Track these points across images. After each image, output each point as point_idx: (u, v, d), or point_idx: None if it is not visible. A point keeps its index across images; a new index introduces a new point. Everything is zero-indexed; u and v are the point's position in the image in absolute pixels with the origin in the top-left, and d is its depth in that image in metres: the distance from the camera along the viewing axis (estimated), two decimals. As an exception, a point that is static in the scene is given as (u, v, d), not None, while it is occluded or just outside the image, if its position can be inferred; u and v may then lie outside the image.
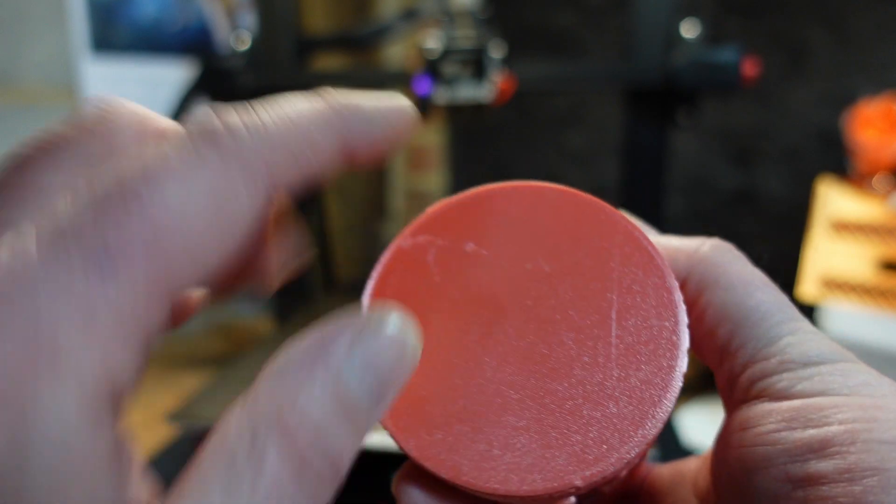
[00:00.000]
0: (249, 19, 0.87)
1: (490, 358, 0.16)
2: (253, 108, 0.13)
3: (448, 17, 0.57)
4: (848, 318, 0.69)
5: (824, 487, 0.13)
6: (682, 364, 0.15)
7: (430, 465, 0.15)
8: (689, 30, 0.59)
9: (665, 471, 0.20)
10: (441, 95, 0.57)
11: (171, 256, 0.11)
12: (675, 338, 0.16)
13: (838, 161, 0.80)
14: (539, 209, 0.17)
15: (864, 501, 0.13)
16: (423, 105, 0.58)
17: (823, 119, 0.81)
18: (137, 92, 0.80)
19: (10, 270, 0.10)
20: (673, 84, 0.58)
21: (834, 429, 0.14)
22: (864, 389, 0.15)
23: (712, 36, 0.86)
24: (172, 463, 0.49)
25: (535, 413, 0.15)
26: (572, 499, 0.17)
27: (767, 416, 0.15)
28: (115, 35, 0.77)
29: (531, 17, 1.00)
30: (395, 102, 0.15)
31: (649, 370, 0.15)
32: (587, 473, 0.15)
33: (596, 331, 0.16)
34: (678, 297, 0.16)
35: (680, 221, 0.92)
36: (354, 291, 0.23)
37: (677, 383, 0.15)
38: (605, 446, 0.15)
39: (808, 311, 0.73)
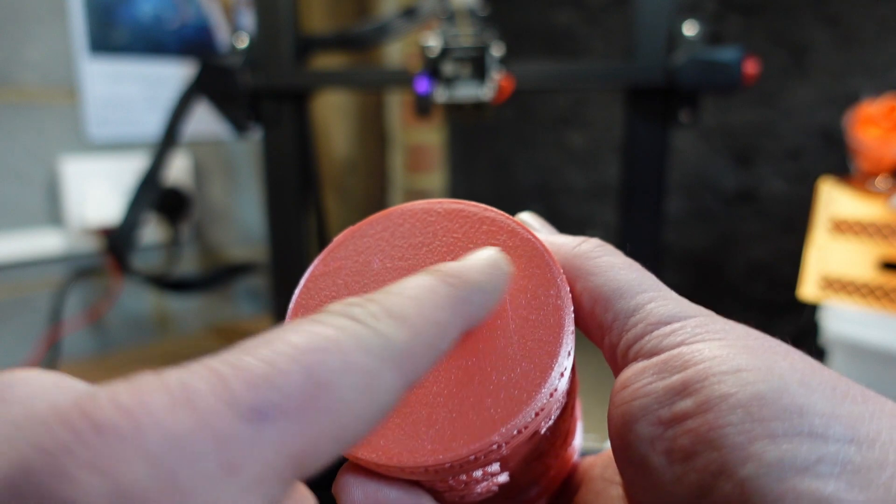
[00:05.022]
0: (249, 18, 0.87)
1: None
2: (388, 295, 0.15)
3: (448, 16, 0.57)
4: (848, 318, 0.68)
5: (688, 422, 0.15)
6: (570, 322, 0.18)
7: (363, 454, 0.17)
8: (690, 29, 0.59)
9: (599, 459, 0.22)
10: (441, 94, 0.57)
11: (319, 431, 0.12)
12: (559, 302, 0.18)
13: (840, 161, 0.80)
14: (433, 222, 0.20)
15: (716, 425, 0.15)
16: (424, 104, 0.57)
17: (825, 119, 0.81)
18: (137, 91, 0.80)
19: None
20: (674, 83, 0.58)
21: (691, 371, 0.16)
22: (715, 335, 0.17)
23: (713, 35, 0.86)
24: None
25: (451, 390, 0.17)
26: (502, 478, 0.18)
27: (641, 372, 0.17)
28: (114, 34, 0.77)
29: (531, 15, 1.00)
30: (496, 262, 0.18)
31: (543, 332, 0.18)
32: (503, 430, 0.16)
33: (495, 308, 0.18)
34: (557, 270, 0.19)
35: (680, 221, 0.92)
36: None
37: (568, 338, 0.18)
38: (515, 403, 0.17)
39: (810, 310, 0.73)
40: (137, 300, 0.82)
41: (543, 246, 0.19)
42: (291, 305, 0.19)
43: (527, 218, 0.22)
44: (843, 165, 0.79)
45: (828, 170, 0.79)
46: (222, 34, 0.87)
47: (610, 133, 0.96)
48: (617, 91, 0.81)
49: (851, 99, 0.77)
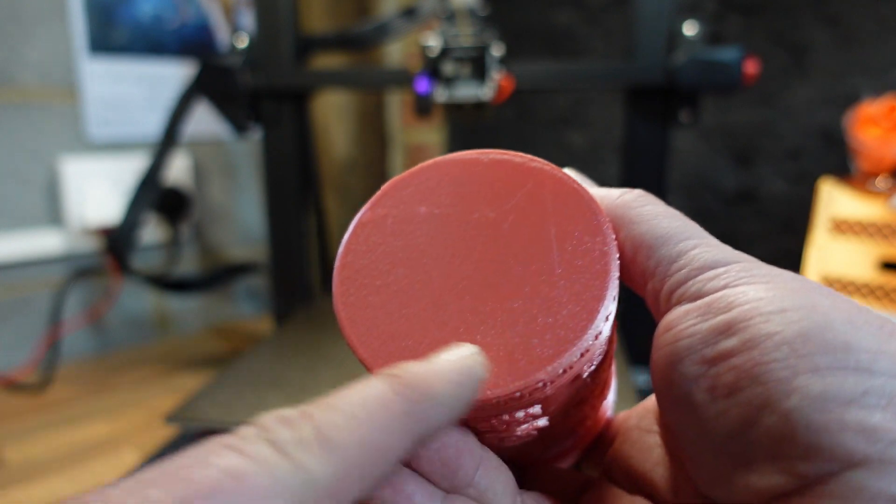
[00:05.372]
0: (249, 18, 0.87)
1: (452, 295, 0.18)
2: (327, 411, 0.13)
3: (448, 16, 0.57)
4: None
5: (732, 359, 0.15)
6: (615, 268, 0.18)
7: None
8: (690, 29, 0.59)
9: (634, 411, 0.23)
10: (441, 94, 0.57)
11: None
12: (605, 248, 0.18)
13: (840, 161, 0.80)
14: (479, 172, 0.20)
15: (761, 361, 0.15)
16: (424, 104, 0.57)
17: (825, 118, 0.81)
18: (137, 91, 0.80)
19: None
20: (674, 83, 0.58)
21: (736, 311, 0.16)
22: (761, 279, 0.17)
23: (713, 35, 0.86)
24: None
25: (498, 330, 0.18)
26: (542, 422, 0.19)
27: (685, 315, 0.17)
28: (114, 34, 0.77)
29: (531, 15, 1.00)
30: (469, 369, 0.16)
31: (589, 278, 0.18)
32: (549, 368, 0.17)
33: (541, 254, 0.18)
34: (603, 217, 0.19)
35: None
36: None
37: (614, 283, 0.18)
38: (561, 343, 0.17)
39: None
40: (137, 300, 0.82)
41: (589, 195, 0.19)
42: (340, 251, 0.19)
43: (570, 172, 0.22)
44: (843, 165, 0.79)
45: (828, 170, 0.79)
46: (222, 34, 0.87)
47: (610, 133, 0.96)
48: (617, 91, 0.81)
49: (851, 99, 0.77)
